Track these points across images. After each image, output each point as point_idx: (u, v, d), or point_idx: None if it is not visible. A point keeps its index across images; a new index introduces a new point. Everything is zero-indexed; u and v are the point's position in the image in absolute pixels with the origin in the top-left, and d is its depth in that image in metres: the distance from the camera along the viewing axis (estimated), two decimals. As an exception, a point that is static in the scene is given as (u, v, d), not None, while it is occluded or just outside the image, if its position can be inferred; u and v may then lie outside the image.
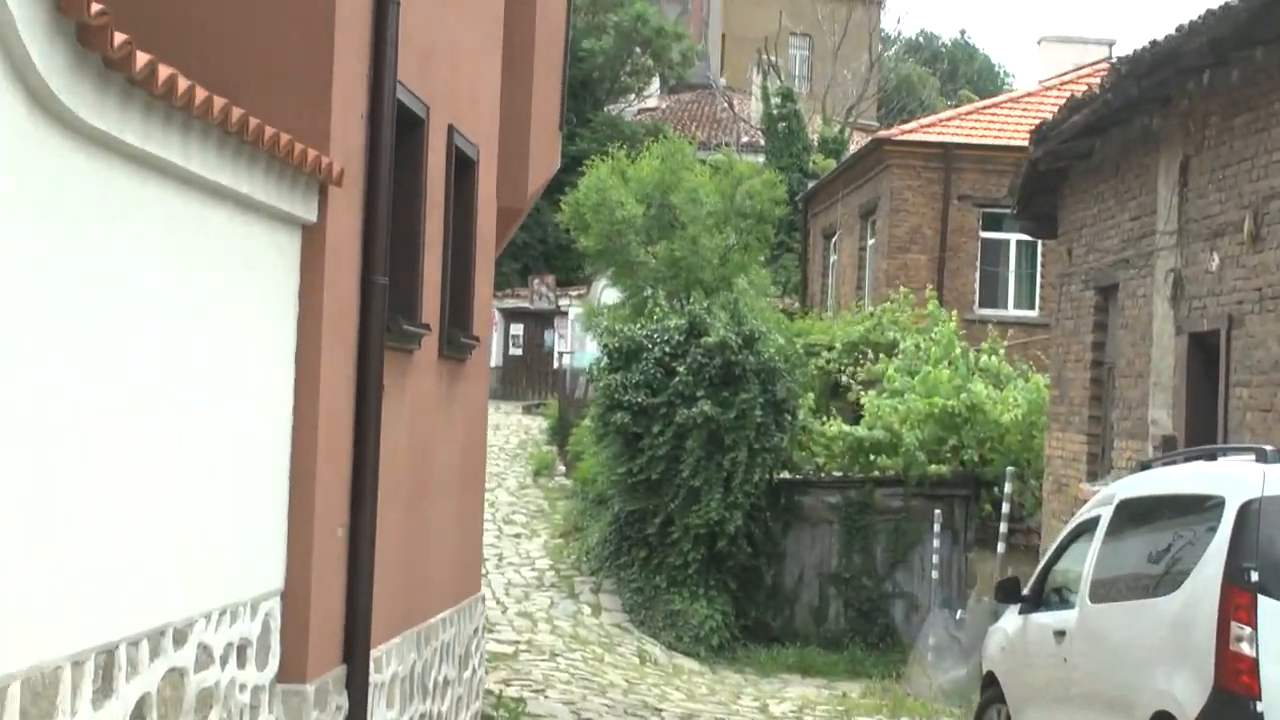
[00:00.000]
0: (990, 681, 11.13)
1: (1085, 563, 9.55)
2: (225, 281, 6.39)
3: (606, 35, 47.01)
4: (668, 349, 20.61)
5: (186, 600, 6.09)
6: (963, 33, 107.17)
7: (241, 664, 6.68)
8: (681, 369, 20.22)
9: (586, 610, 20.57)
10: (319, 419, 7.34)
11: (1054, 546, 10.70)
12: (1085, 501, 11.81)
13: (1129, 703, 8.33)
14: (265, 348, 6.93)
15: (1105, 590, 9.21)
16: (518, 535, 24.23)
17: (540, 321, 43.62)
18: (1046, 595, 10.39)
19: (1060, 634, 9.59)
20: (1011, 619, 10.84)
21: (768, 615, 21.12)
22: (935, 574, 20.50)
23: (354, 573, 7.90)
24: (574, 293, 41.13)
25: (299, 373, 7.29)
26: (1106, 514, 9.58)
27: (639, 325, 21.84)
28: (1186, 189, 13.04)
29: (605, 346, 21.83)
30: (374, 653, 8.29)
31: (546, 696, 14.30)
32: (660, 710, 14.72)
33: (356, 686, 7.89)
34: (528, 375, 42.90)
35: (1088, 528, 9.88)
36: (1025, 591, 10.63)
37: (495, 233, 12.00)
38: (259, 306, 6.82)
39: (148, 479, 5.73)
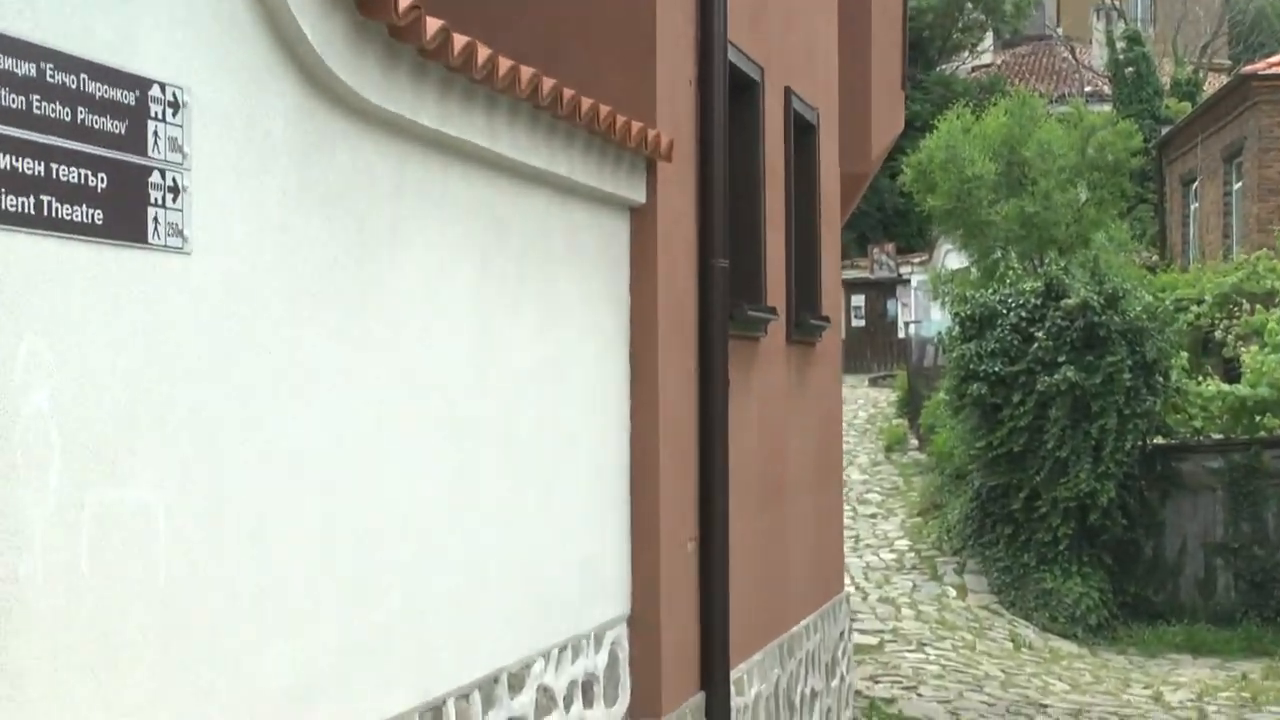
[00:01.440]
0: None
1: None
2: (544, 276, 5.67)
3: (936, -8, 45.53)
4: (1024, 314, 19.39)
5: (521, 638, 5.40)
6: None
7: (588, 703, 5.97)
8: (1040, 334, 18.99)
9: (951, 593, 19.53)
10: (659, 422, 6.58)
11: None
12: None
13: None
14: (594, 346, 6.20)
15: None
16: (873, 515, 23.29)
17: (882, 291, 42.48)
18: None
19: None
20: None
21: (1148, 591, 19.71)
22: (1335, 540, 18.79)
23: (707, 589, 7.13)
24: (915, 260, 39.93)
25: (634, 372, 6.55)
26: None
27: (991, 290, 20.65)
28: None
29: (956, 314, 20.71)
30: (734, 674, 7.52)
31: (919, 694, 13.37)
32: (1045, 706, 13.63)
33: (718, 713, 7.12)
34: (871, 347, 41.82)
35: None
36: None
37: (840, 202, 11.10)
38: (584, 301, 6.08)
39: (467, 505, 5.05)
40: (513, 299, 5.40)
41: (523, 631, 5.42)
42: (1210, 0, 48.22)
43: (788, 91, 9.03)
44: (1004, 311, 19.61)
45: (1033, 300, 19.52)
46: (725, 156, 7.30)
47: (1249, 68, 28.99)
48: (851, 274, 41.61)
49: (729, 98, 7.56)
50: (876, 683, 13.62)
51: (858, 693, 12.45)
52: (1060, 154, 27.43)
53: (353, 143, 4.32)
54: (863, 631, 16.37)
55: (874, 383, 37.12)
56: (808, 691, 9.51)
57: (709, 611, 7.12)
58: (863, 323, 43.09)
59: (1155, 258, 32.36)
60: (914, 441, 27.79)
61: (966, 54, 49.04)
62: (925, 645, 16.24)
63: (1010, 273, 21.81)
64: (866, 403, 33.73)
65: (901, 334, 39.82)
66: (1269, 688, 15.34)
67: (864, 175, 12.31)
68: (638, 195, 6.50)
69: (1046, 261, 21.89)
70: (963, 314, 20.24)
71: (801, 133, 9.50)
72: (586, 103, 5.59)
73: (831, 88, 10.64)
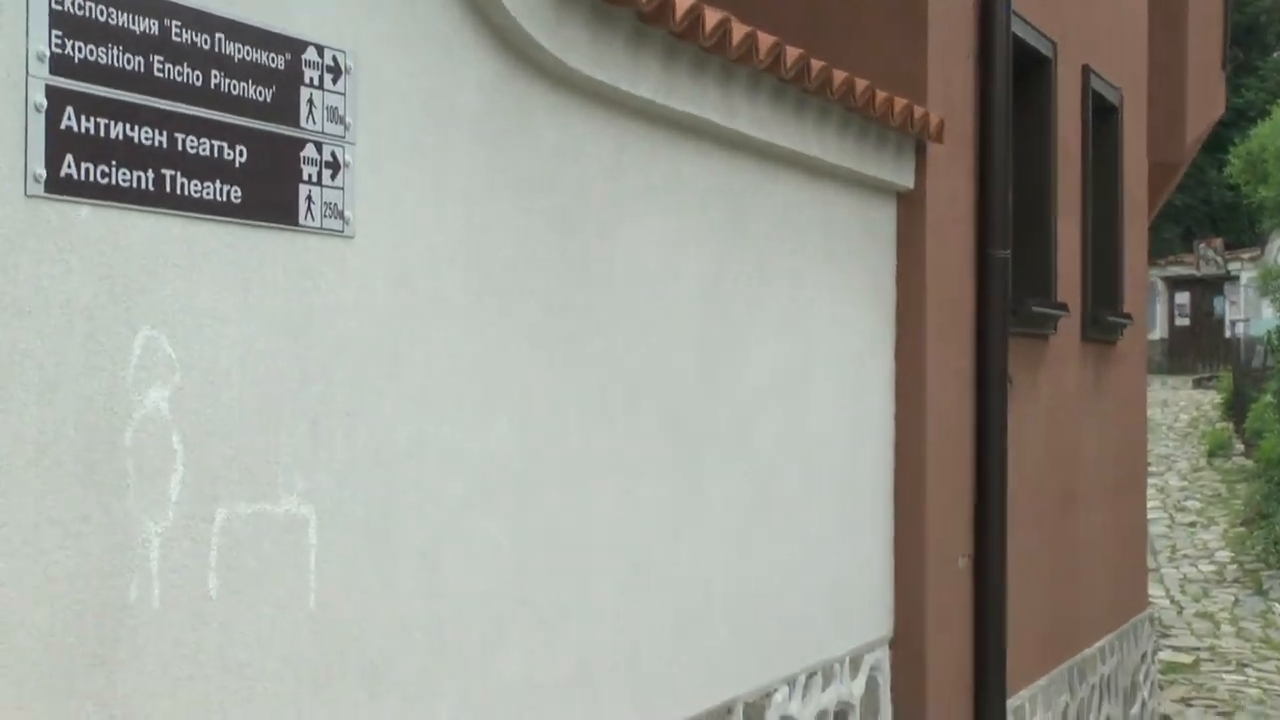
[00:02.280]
0: None
1: None
2: (791, 268, 5.17)
3: (1273, -26, 43.30)
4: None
5: (759, 665, 4.91)
6: None
7: (840, 734, 5.46)
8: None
9: (1278, 609, 18.30)
10: (927, 425, 6.01)
11: None
12: None
13: None
14: (852, 345, 5.67)
15: None
16: (1192, 524, 22.06)
17: (1208, 289, 40.59)
18: None
19: None
20: None
21: None
22: None
23: (982, 608, 6.52)
24: (1244, 255, 37.97)
25: (900, 371, 6.00)
26: None
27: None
28: None
29: (1286, 312, 19.47)
30: (1013, 701, 6.89)
31: (1235, 721, 12.41)
32: (1375, 739, 12.51)
33: (992, 746, 6.52)
34: (1196, 347, 39.99)
35: None
36: None
37: (1147, 192, 10.27)
38: (840, 295, 5.55)
39: (692, 524, 4.58)
40: (753, 294, 4.91)
41: (761, 657, 4.93)
42: None
43: (1086, 69, 8.32)
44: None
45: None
46: (1008, 138, 6.68)
47: None
48: (1175, 271, 39.86)
49: (1015, 75, 6.95)
50: (1189, 706, 12.70)
51: (1165, 718, 11.59)
52: None
53: (559, 117, 3.90)
54: (1176, 649, 15.39)
55: (1198, 384, 35.53)
56: (1102, 720, 8.78)
57: (983, 633, 6.52)
58: (1187, 321, 41.33)
59: None
60: (1239, 446, 26.40)
61: (1305, 38, 46.56)
62: (1246, 666, 15.18)
63: (1347, 268, 20.37)
64: (1189, 405, 32.20)
65: (1229, 333, 38.00)
66: None
67: (1176, 164, 11.42)
68: (905, 180, 5.94)
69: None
70: (1292, 312, 19.03)
71: (1102, 115, 8.76)
72: (839, 76, 5.06)
73: (1139, 66, 9.84)
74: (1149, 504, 19.25)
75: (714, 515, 4.68)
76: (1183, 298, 40.93)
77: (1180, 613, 17.58)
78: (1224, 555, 20.45)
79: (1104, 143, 8.87)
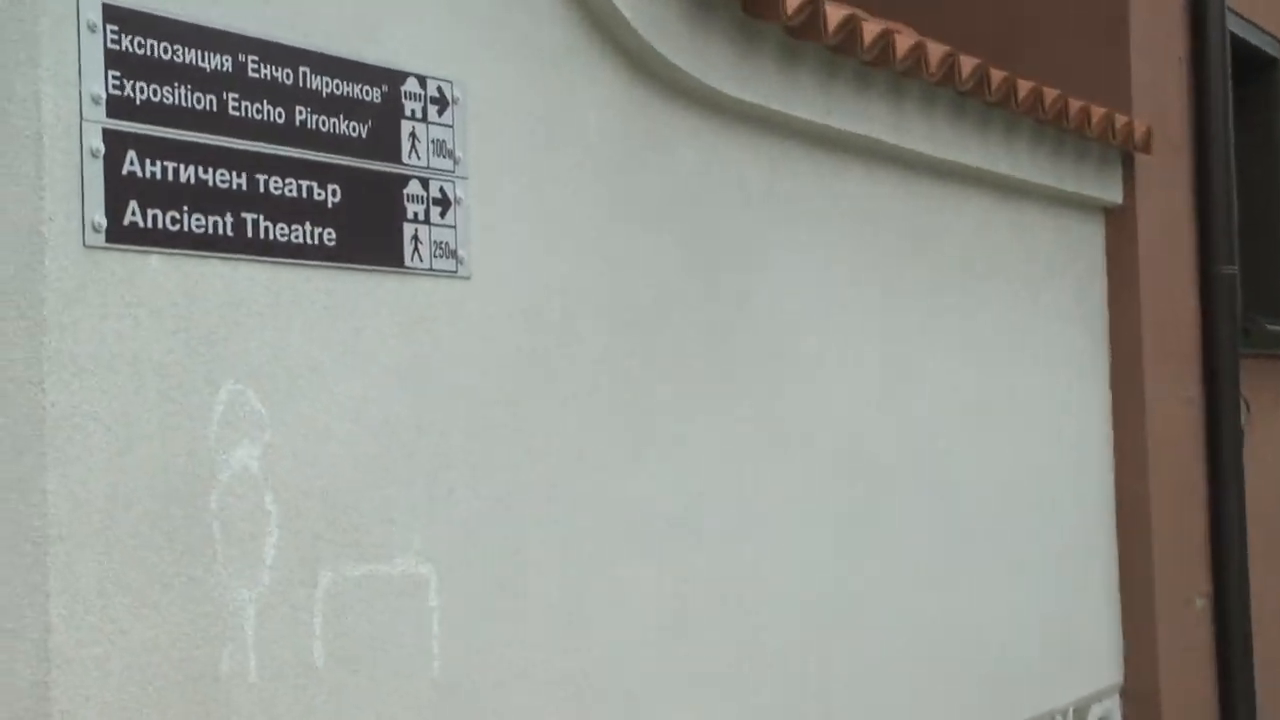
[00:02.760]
0: None
1: None
2: (979, 293, 4.84)
3: None
4: None
5: (963, 716, 4.57)
6: None
7: (1063, 792, 5.07)
8: None
9: None
10: (1149, 455, 5.60)
11: None
12: None
13: None
14: (1059, 373, 5.30)
15: None
16: None
17: None
18: None
19: None
20: None
21: None
22: None
23: (1224, 652, 6.05)
24: None
25: (1116, 400, 5.61)
26: None
27: None
28: None
29: None
30: (1266, 751, 6.39)
31: None
32: None
33: (1242, 800, 6.03)
34: None
35: None
36: None
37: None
38: (1042, 320, 5.20)
39: (879, 568, 4.28)
40: (940, 322, 4.60)
41: (965, 708, 4.59)
42: None
43: (1318, 69, 7.77)
44: None
45: None
46: (1229, 145, 6.24)
47: None
48: None
49: (1236, 77, 6.51)
50: None
51: None
52: None
53: (703, 140, 3.67)
54: None
55: None
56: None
57: (1228, 679, 6.04)
58: None
59: None
60: None
61: None
62: None
63: None
64: None
65: None
66: None
67: None
68: (1111, 194, 5.56)
69: None
70: None
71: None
72: (1025, 86, 4.73)
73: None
74: None
75: (908, 556, 4.37)
76: None
77: None
78: None
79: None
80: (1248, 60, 6.86)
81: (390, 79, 2.84)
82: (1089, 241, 5.53)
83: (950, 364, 4.68)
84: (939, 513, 4.55)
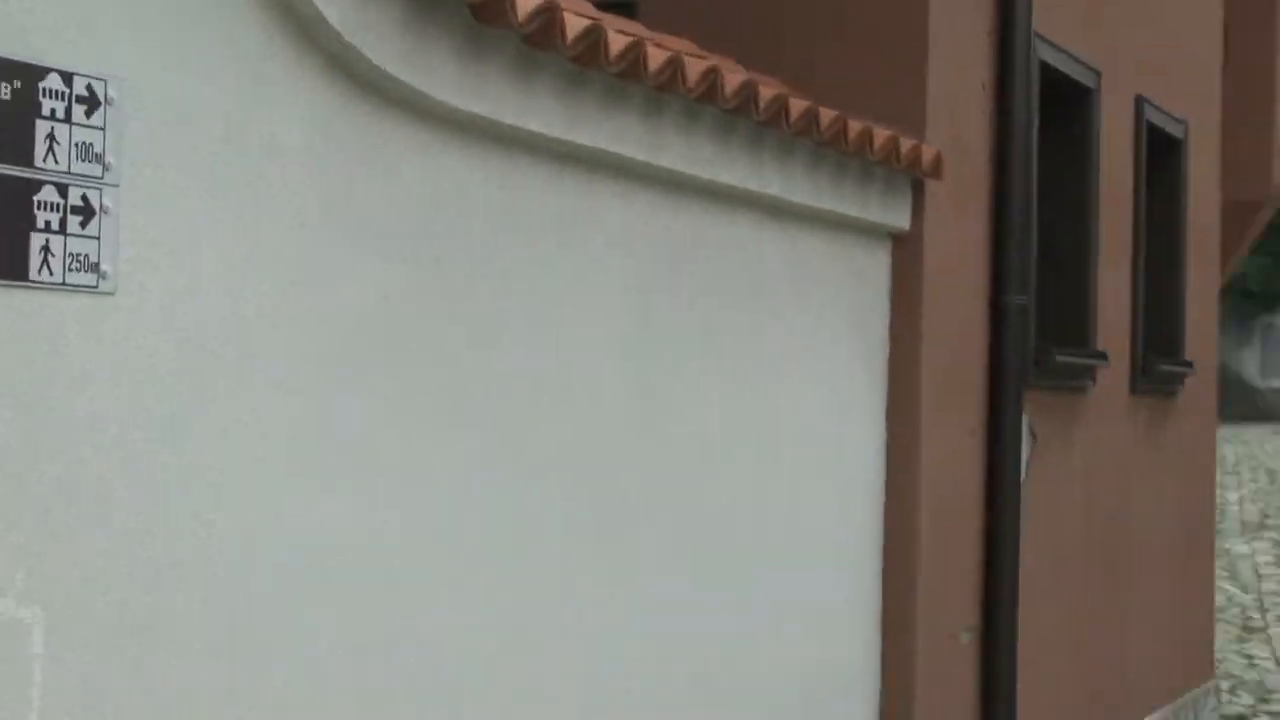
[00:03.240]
0: None
1: None
2: (743, 323, 4.67)
3: None
4: None
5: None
6: None
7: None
8: None
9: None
10: (921, 489, 5.48)
11: None
12: None
13: None
14: (830, 404, 5.16)
15: None
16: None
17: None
18: None
19: None
20: None
21: None
22: None
23: (989, 686, 5.97)
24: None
25: (891, 432, 5.47)
26: None
27: None
28: None
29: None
30: (1031, 789, 6.32)
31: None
32: None
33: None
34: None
35: None
36: None
37: (1220, 232, 9.58)
38: (814, 349, 5.05)
39: (612, 610, 4.10)
40: (700, 350, 4.43)
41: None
42: None
43: (1140, 100, 7.72)
44: None
45: None
46: (1029, 175, 6.15)
47: None
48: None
49: (1049, 107, 6.43)
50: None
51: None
52: None
53: (431, 155, 3.45)
54: (1274, 715, 14.51)
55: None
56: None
57: (989, 713, 5.96)
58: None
59: None
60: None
61: None
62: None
63: None
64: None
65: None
66: None
67: (1258, 203, 10.71)
68: (899, 220, 5.42)
69: None
70: None
71: (1160, 149, 8.15)
72: (798, 106, 4.56)
73: (1209, 95, 9.20)
74: (1262, 558, 18.36)
75: (649, 595, 4.19)
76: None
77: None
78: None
79: (1164, 180, 8.25)
80: (1063, 89, 6.76)
81: (24, 74, 2.58)
82: (874, 269, 5.39)
83: (710, 395, 4.51)
84: (685, 550, 4.38)
